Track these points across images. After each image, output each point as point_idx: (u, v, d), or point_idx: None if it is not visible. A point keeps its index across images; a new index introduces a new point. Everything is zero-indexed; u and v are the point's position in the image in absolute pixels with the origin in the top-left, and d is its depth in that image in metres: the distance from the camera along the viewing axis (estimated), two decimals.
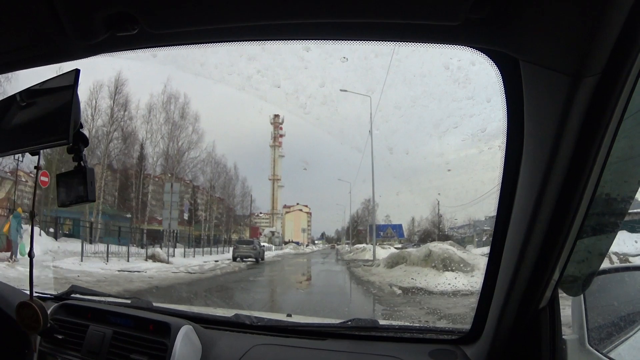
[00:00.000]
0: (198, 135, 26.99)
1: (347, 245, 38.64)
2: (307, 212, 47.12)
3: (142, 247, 19.74)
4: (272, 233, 41.65)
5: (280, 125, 44.23)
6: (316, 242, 46.57)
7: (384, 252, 18.76)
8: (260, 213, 43.95)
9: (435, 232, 31.18)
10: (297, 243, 42.16)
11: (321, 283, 12.88)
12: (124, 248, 16.70)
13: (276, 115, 42.22)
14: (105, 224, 22.39)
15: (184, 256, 20.26)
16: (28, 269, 1.10)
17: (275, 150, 44.77)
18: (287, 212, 46.57)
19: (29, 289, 1.13)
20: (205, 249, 25.57)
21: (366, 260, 19.59)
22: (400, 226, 34.41)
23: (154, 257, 15.92)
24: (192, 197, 29.75)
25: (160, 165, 26.32)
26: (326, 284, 12.26)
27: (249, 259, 20.31)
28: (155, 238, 23.82)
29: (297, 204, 46.87)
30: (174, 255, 18.23)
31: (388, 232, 33.87)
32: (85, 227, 20.40)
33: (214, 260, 19.64)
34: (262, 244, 24.04)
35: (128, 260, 15.29)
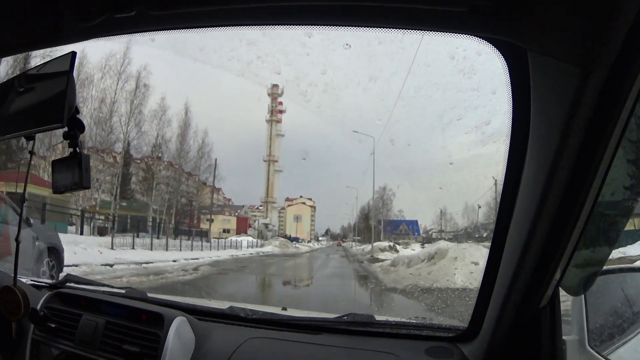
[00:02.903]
0: None
1: (354, 243, 32.14)
2: (310, 206, 41.14)
3: None
4: (266, 225, 34.01)
5: (280, 100, 36.82)
6: (320, 238, 41.10)
7: None
8: (260, 206, 37.52)
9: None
10: (297, 239, 35.00)
11: None
12: None
13: (274, 85, 35.00)
14: None
15: None
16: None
17: (272, 127, 37.12)
18: (289, 205, 40.66)
19: (30, 276, 1.11)
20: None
21: None
22: (415, 222, 30.16)
23: None
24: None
25: None
26: None
27: None
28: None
29: (301, 196, 41.02)
30: None
31: (402, 229, 29.94)
32: None
33: None
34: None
35: None
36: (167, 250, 18.01)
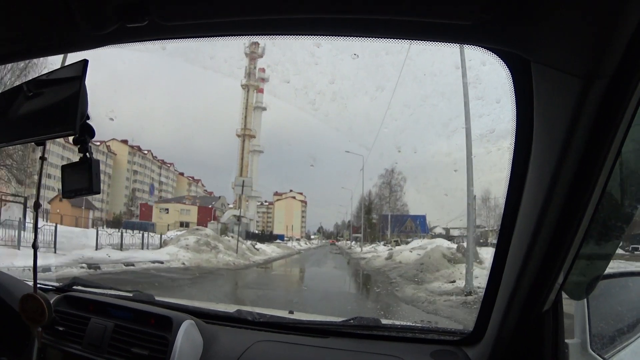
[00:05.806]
0: None
1: (353, 243, 27.50)
2: (301, 201, 36.53)
3: None
4: (237, 218, 23.88)
5: (261, 67, 27.54)
6: (312, 237, 37.63)
7: None
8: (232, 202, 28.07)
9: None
10: (281, 237, 28.24)
11: None
12: None
13: (254, 43, 25.94)
14: None
15: None
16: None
17: (249, 93, 28.07)
18: (277, 200, 35.93)
19: (32, 280, 1.12)
20: None
21: None
22: (423, 217, 26.31)
23: None
24: None
25: None
26: None
27: None
28: None
29: (291, 190, 36.30)
30: None
31: (408, 225, 26.17)
32: None
33: None
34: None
35: None
36: None
